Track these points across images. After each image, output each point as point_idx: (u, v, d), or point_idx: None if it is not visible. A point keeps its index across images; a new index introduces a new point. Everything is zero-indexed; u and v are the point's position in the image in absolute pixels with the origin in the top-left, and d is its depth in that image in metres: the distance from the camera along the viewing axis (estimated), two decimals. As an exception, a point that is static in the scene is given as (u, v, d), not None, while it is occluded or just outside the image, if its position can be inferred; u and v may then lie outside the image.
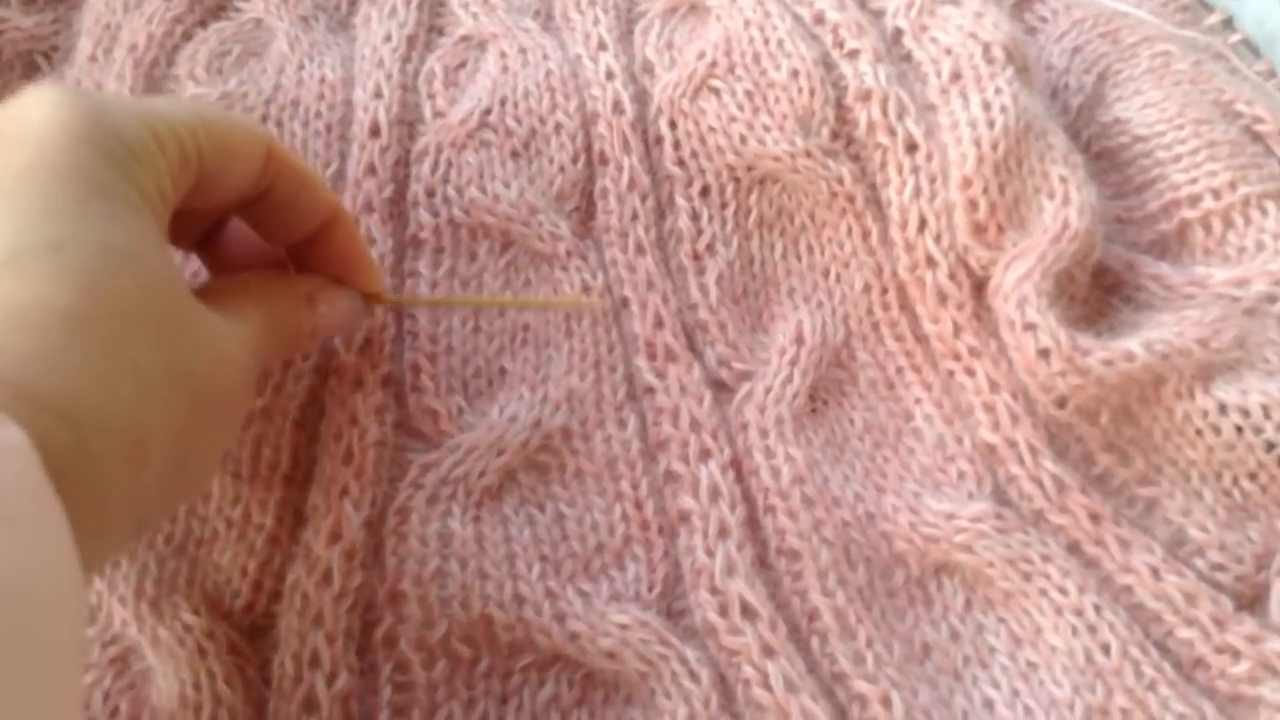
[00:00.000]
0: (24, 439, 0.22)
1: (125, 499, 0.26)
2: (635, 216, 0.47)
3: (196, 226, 0.37)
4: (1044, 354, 0.41)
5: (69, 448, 0.24)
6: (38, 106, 0.29)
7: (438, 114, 0.50)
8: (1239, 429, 0.40)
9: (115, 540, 0.27)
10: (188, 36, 0.53)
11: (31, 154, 0.28)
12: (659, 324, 0.44)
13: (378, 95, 0.50)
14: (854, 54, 0.47)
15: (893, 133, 0.45)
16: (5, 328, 0.25)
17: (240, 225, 0.38)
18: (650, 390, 0.43)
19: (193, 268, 0.43)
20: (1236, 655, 0.37)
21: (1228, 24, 0.55)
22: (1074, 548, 0.40)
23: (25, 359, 0.24)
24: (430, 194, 0.47)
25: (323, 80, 0.51)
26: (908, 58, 0.47)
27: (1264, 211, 0.45)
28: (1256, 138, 0.48)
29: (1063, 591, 0.38)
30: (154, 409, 0.27)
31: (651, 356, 0.44)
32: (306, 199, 0.37)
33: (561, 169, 0.48)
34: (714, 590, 0.38)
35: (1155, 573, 0.39)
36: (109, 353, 0.26)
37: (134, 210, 0.29)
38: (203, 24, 0.54)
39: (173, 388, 0.28)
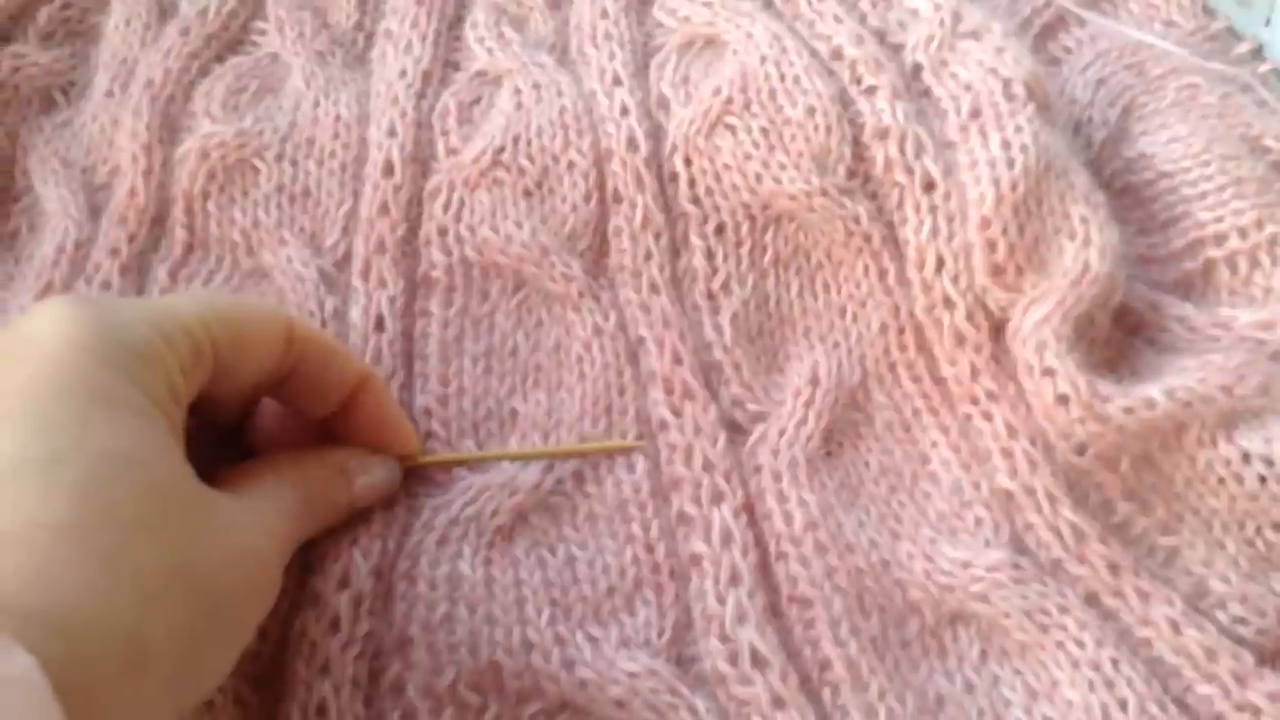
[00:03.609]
0: (33, 665, 0.22)
1: (129, 707, 0.26)
2: (649, 255, 0.47)
3: (228, 409, 0.37)
4: (1063, 400, 0.40)
5: (66, 660, 0.24)
6: (44, 320, 0.30)
7: (451, 151, 0.50)
8: (1262, 479, 0.39)
9: None
10: (204, 72, 0.53)
11: (34, 368, 0.28)
12: (677, 360, 0.44)
13: (392, 133, 0.50)
14: (871, 90, 0.46)
15: (910, 171, 0.45)
16: None
17: (272, 402, 0.38)
18: (665, 426, 0.43)
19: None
20: (1257, 713, 0.36)
21: (1257, 53, 0.54)
22: (1092, 599, 0.39)
23: (15, 576, 0.24)
24: (443, 233, 0.47)
25: (338, 118, 0.51)
26: (927, 94, 0.47)
27: (1292, 252, 0.44)
28: (1285, 174, 0.47)
29: (1080, 644, 0.38)
30: (155, 613, 0.27)
31: (669, 391, 0.43)
32: (334, 371, 0.37)
33: (574, 208, 0.48)
34: (724, 638, 0.37)
35: (1175, 626, 0.38)
36: (105, 560, 0.26)
37: (138, 414, 0.29)
38: (219, 59, 0.54)
39: (177, 590, 0.27)
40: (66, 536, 0.25)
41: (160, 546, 0.27)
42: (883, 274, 0.46)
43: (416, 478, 0.41)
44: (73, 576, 0.25)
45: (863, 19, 0.50)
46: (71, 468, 0.27)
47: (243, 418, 0.39)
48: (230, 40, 0.55)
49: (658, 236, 0.47)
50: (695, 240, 0.47)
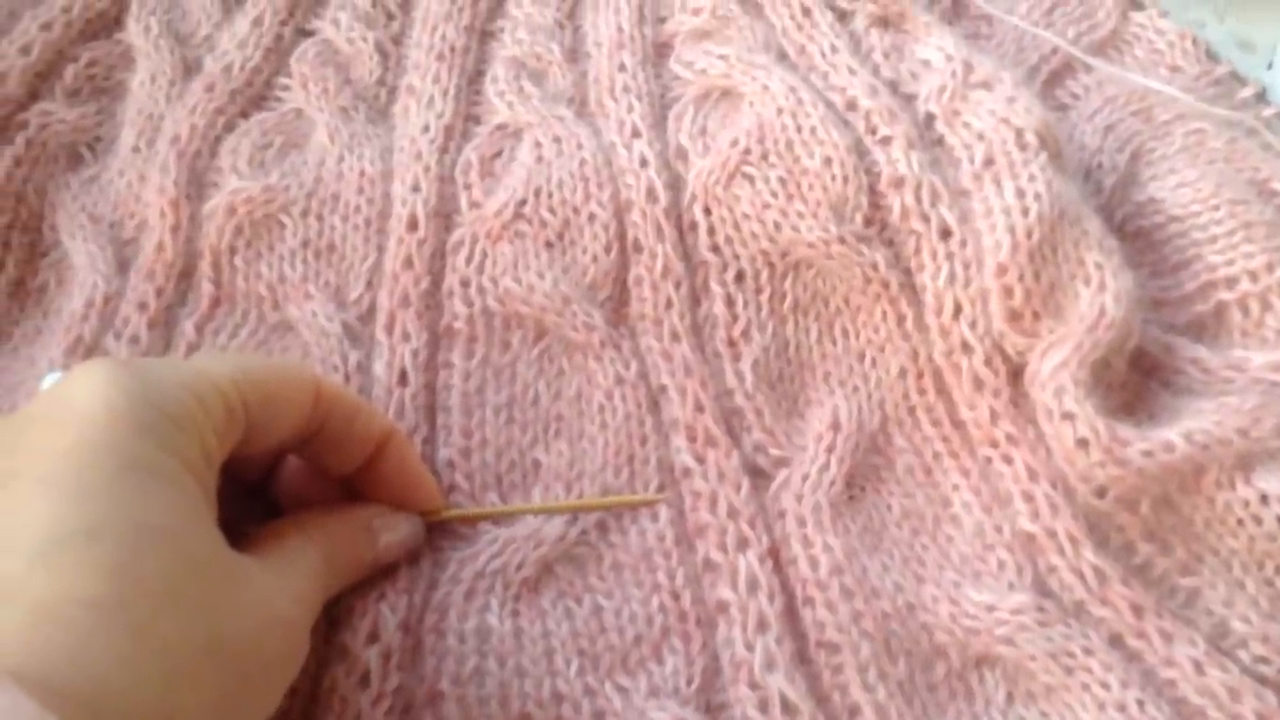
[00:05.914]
0: None
1: None
2: (670, 304, 0.47)
3: (253, 466, 0.38)
4: (1082, 444, 0.40)
5: None
6: (81, 385, 0.30)
7: (474, 205, 0.51)
8: (1281, 519, 0.39)
9: None
10: (230, 128, 0.54)
11: (71, 435, 0.29)
12: (699, 408, 0.45)
13: (415, 189, 0.50)
14: (886, 140, 0.47)
15: (926, 219, 0.45)
16: (35, 623, 0.25)
17: (296, 459, 0.39)
18: (688, 473, 0.43)
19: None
20: (1283, 753, 0.36)
21: (1260, 97, 0.55)
22: (1116, 640, 0.39)
23: (52, 653, 0.25)
24: (465, 285, 0.48)
25: (362, 174, 0.51)
26: (940, 143, 0.48)
27: (1301, 294, 0.45)
28: (1292, 216, 0.48)
29: (1105, 686, 0.38)
30: (184, 686, 0.27)
31: (692, 439, 0.44)
32: (359, 429, 0.37)
33: (595, 258, 0.48)
34: (754, 685, 0.37)
35: (1198, 667, 0.38)
36: (136, 635, 0.26)
37: (170, 481, 0.30)
38: (244, 115, 0.55)
39: (207, 662, 0.28)
40: (100, 611, 0.26)
41: (190, 618, 0.28)
42: (901, 319, 0.47)
43: (441, 531, 0.41)
44: (103, 651, 0.25)
45: (876, 70, 0.52)
46: (105, 542, 0.27)
47: (267, 474, 0.39)
48: (255, 96, 0.56)
49: (678, 285, 0.48)
50: (715, 288, 0.48)
